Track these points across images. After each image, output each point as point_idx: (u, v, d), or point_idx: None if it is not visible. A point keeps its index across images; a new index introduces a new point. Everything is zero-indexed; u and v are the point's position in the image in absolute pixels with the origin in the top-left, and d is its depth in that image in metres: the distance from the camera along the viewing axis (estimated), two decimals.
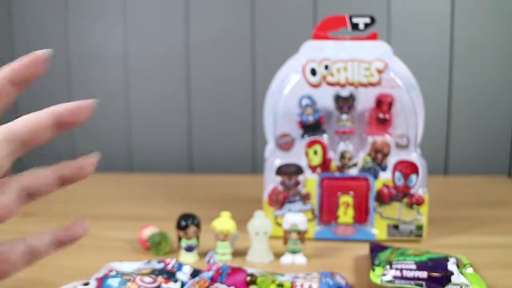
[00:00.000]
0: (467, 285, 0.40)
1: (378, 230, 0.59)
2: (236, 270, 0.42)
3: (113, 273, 0.41)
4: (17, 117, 0.27)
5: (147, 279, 0.41)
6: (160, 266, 0.45)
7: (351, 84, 0.57)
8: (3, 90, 0.27)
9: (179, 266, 0.45)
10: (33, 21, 1.03)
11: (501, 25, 0.94)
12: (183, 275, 0.44)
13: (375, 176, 0.58)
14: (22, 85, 0.28)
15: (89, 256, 0.53)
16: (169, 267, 0.44)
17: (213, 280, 0.41)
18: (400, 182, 0.58)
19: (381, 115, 0.57)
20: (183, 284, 0.42)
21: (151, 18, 1.01)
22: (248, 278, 0.41)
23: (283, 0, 0.98)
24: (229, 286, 0.40)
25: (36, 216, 0.67)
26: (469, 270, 0.43)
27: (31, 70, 0.27)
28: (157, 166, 1.04)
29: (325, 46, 0.58)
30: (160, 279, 0.42)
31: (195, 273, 0.45)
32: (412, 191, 0.57)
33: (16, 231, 0.62)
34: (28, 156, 1.07)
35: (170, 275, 0.43)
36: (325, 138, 0.58)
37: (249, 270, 0.43)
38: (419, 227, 0.58)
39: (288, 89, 0.58)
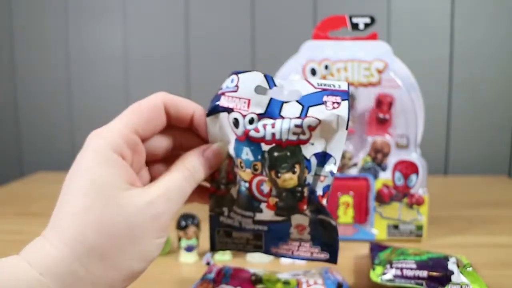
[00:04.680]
0: (467, 285, 0.40)
1: (378, 230, 0.59)
2: (238, 271, 0.42)
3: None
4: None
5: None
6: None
7: (351, 84, 0.57)
8: None
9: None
10: (33, 21, 1.04)
11: (501, 25, 0.94)
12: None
13: (375, 176, 0.58)
14: None
15: None
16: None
17: (216, 281, 0.41)
18: (400, 182, 0.58)
19: (381, 115, 0.57)
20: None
21: (151, 18, 1.01)
22: (253, 278, 0.41)
23: (283, 0, 0.98)
24: (235, 286, 0.40)
25: (37, 216, 0.67)
26: (469, 269, 0.43)
27: None
28: None
29: (325, 46, 0.58)
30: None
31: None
32: (412, 191, 0.57)
33: (16, 231, 0.62)
34: (28, 155, 1.07)
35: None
36: None
37: (251, 270, 0.43)
38: (419, 227, 0.58)
39: None
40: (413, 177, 0.57)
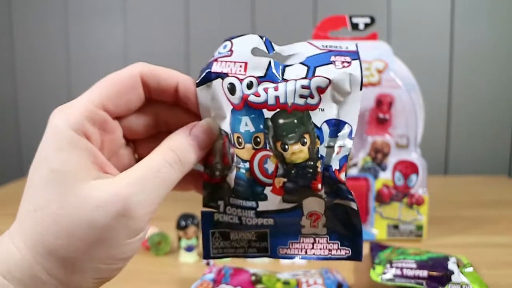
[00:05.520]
0: (468, 285, 0.40)
1: (378, 230, 0.59)
2: (238, 271, 0.42)
3: None
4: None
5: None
6: None
7: None
8: None
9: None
10: (33, 21, 1.04)
11: (501, 25, 0.94)
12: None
13: (375, 176, 0.58)
14: None
15: None
16: None
17: (216, 281, 0.41)
18: (400, 182, 0.58)
19: (381, 115, 0.57)
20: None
21: (151, 17, 1.01)
22: (253, 278, 0.41)
23: (283, 0, 0.98)
24: (235, 286, 0.40)
25: None
26: (469, 269, 0.43)
27: None
28: None
29: None
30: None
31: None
32: (412, 191, 0.57)
33: None
34: (28, 155, 1.07)
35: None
36: None
37: (251, 270, 0.43)
38: (419, 227, 0.58)
39: None
40: (413, 177, 0.57)
